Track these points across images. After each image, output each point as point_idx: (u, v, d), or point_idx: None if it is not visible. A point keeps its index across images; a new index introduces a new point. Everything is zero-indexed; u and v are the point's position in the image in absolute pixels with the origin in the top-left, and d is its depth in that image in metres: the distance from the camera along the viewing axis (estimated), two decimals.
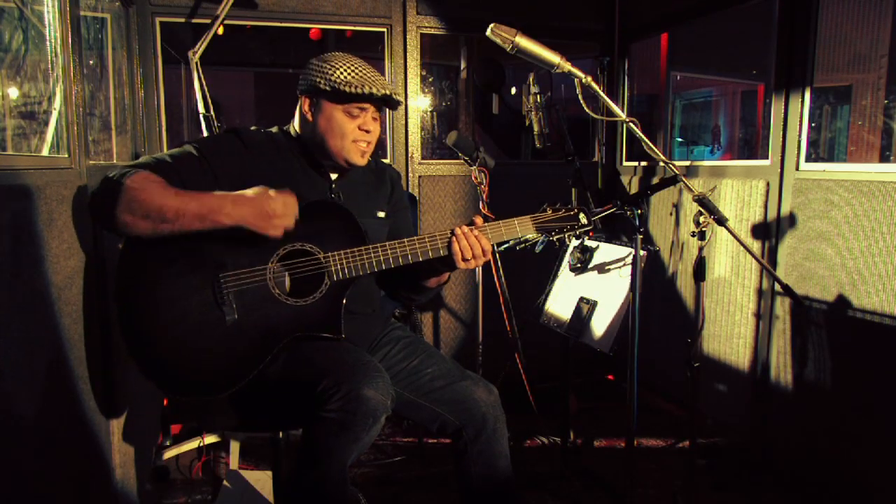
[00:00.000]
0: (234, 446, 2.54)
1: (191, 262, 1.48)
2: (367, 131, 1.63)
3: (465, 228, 1.58)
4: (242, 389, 1.50)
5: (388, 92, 1.59)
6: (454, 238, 1.57)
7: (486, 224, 1.61)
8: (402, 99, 1.65)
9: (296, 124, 1.71)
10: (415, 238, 1.59)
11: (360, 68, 1.60)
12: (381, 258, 1.56)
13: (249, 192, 1.47)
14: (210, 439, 2.65)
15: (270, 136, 1.70)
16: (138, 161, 1.52)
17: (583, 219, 1.66)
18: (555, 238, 1.66)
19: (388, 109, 1.71)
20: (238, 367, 1.49)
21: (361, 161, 1.66)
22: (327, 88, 1.57)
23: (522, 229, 1.64)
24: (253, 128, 1.70)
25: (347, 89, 1.55)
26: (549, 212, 1.66)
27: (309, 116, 1.65)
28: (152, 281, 1.47)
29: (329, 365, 1.47)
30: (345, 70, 1.58)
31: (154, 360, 1.48)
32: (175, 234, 1.43)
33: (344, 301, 1.57)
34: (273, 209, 1.45)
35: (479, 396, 1.70)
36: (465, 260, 1.57)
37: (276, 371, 1.52)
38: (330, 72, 1.58)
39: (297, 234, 1.54)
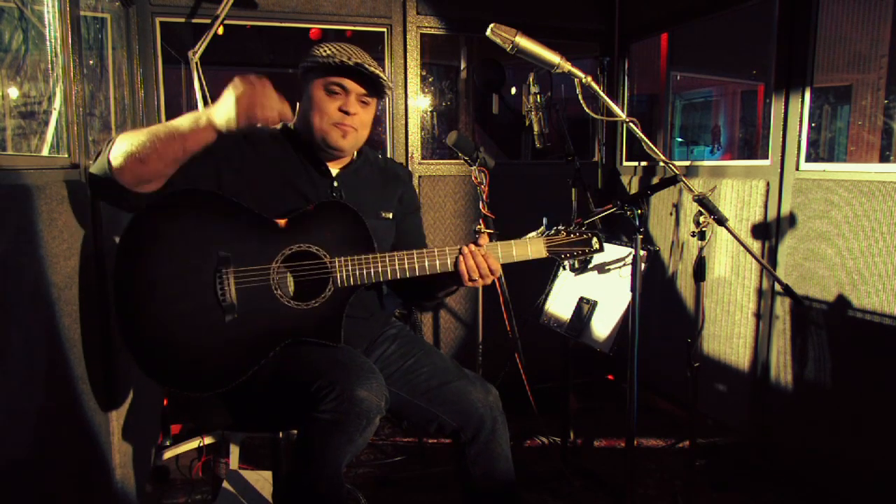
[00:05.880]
0: (234, 446, 2.54)
1: (194, 254, 1.45)
2: (347, 113, 1.60)
3: (473, 247, 1.59)
4: (237, 388, 1.48)
5: (359, 61, 1.56)
6: (461, 257, 1.59)
7: (497, 243, 1.63)
8: (380, 73, 1.59)
9: (295, 118, 1.71)
10: (424, 251, 1.60)
11: (343, 46, 1.61)
12: (388, 269, 1.56)
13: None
14: (210, 439, 2.65)
15: (273, 133, 1.70)
16: None
17: (595, 244, 1.71)
18: (566, 262, 1.70)
19: (379, 98, 1.68)
20: (232, 366, 1.48)
21: (342, 142, 1.62)
22: (311, 64, 1.60)
23: (535, 251, 1.67)
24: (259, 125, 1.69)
25: (323, 61, 1.57)
26: (563, 234, 1.69)
27: (300, 103, 1.67)
28: (153, 272, 1.45)
29: (323, 365, 1.46)
30: (328, 47, 1.61)
31: (147, 350, 1.45)
32: (179, 160, 1.40)
33: (345, 308, 1.55)
34: (253, 93, 1.40)
35: (477, 397, 1.67)
36: (471, 280, 1.60)
37: (271, 370, 1.51)
38: (314, 50, 1.62)
39: (304, 235, 1.53)
